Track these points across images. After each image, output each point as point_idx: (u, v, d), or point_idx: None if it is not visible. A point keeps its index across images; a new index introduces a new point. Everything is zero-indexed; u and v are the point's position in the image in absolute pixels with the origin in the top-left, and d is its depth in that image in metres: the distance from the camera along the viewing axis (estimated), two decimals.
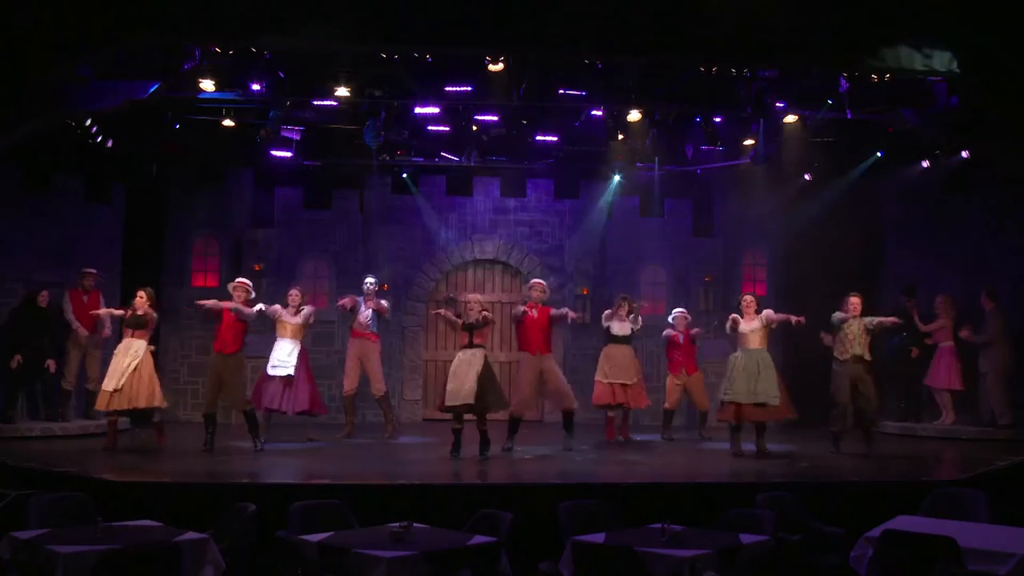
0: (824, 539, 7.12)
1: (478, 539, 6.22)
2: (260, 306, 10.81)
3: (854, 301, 10.73)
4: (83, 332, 11.83)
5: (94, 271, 12.07)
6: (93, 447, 10.75)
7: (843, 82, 10.71)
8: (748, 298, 10.79)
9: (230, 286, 10.74)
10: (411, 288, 14.42)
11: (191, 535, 6.19)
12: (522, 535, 6.78)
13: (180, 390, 13.90)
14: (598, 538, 6.25)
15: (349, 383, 11.83)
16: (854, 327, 10.65)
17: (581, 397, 13.85)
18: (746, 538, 6.30)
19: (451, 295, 14.77)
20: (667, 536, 6.14)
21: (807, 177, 13.99)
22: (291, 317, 11.39)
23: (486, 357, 10.03)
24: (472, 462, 9.78)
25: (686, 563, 5.73)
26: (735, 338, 10.71)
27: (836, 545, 6.96)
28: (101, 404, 10.43)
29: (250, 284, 10.75)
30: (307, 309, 11.51)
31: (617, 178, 14.39)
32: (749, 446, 10.54)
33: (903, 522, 6.60)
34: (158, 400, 10.50)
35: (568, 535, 6.44)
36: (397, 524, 6.25)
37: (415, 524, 6.29)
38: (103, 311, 11.41)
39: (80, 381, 12.03)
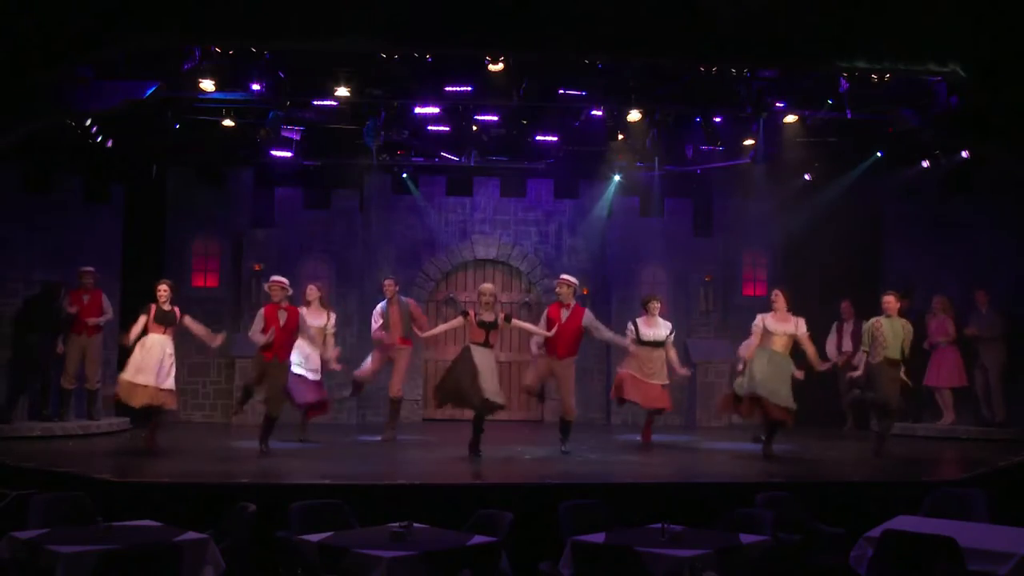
0: (824, 539, 7.12)
1: (478, 539, 6.22)
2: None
3: (888, 300, 10.41)
4: (81, 331, 11.84)
5: (92, 269, 12.05)
6: (93, 447, 10.77)
7: (843, 82, 10.70)
8: (777, 293, 10.47)
9: (266, 286, 10.46)
10: (411, 288, 14.41)
11: (191, 535, 6.19)
12: (522, 535, 6.79)
13: (180, 390, 13.87)
14: (598, 538, 6.24)
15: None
16: (890, 327, 10.29)
17: (583, 400, 13.91)
18: (746, 538, 6.30)
19: (451, 295, 14.80)
20: (667, 536, 6.14)
21: (807, 177, 14.00)
22: (314, 320, 11.18)
23: (494, 357, 10.10)
24: (471, 462, 9.78)
25: (686, 563, 5.73)
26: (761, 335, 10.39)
27: (836, 545, 6.96)
28: (138, 399, 10.23)
29: (286, 282, 10.31)
30: (332, 320, 11.42)
31: (617, 178, 14.40)
32: (752, 447, 10.57)
33: (903, 522, 6.60)
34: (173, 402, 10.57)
35: (568, 535, 6.44)
36: (397, 524, 6.25)
37: (415, 524, 6.29)
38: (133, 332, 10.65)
39: (79, 381, 12.02)
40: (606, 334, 10.96)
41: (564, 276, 10.90)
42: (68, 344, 11.91)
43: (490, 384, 9.85)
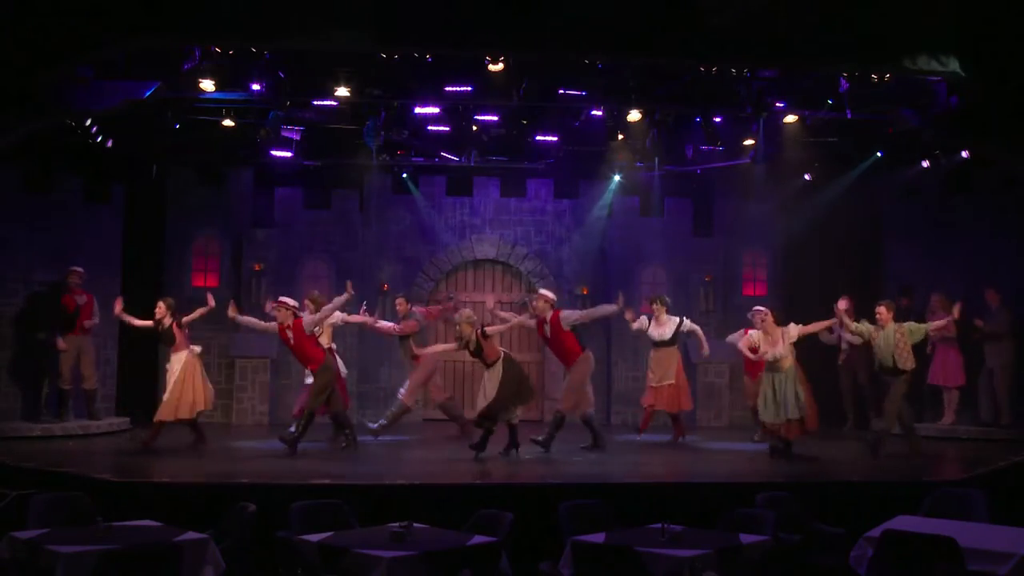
0: (824, 539, 7.12)
1: (478, 539, 6.23)
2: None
3: (879, 311, 10.41)
4: (77, 331, 11.88)
5: (79, 269, 12.02)
6: (93, 447, 10.77)
7: (843, 82, 10.70)
8: (765, 313, 10.43)
9: (270, 308, 10.60)
10: (411, 288, 14.40)
11: (191, 535, 6.19)
12: (522, 535, 6.79)
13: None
14: (598, 538, 6.25)
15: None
16: (883, 338, 10.36)
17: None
18: (746, 538, 6.30)
19: (451, 295, 14.79)
20: (667, 536, 6.14)
21: (807, 177, 13.99)
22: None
23: (504, 365, 10.01)
24: (472, 462, 9.77)
25: (686, 563, 5.74)
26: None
27: (836, 545, 6.96)
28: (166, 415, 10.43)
29: (288, 302, 10.33)
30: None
31: (617, 178, 14.39)
32: (764, 446, 10.65)
33: (903, 522, 6.60)
34: (185, 411, 10.41)
35: (568, 535, 6.44)
36: (397, 524, 6.25)
37: (415, 524, 6.29)
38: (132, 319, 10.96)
39: (77, 381, 12.01)
40: (574, 316, 10.95)
41: (542, 291, 11.19)
42: (64, 345, 11.94)
43: (485, 401, 10.01)
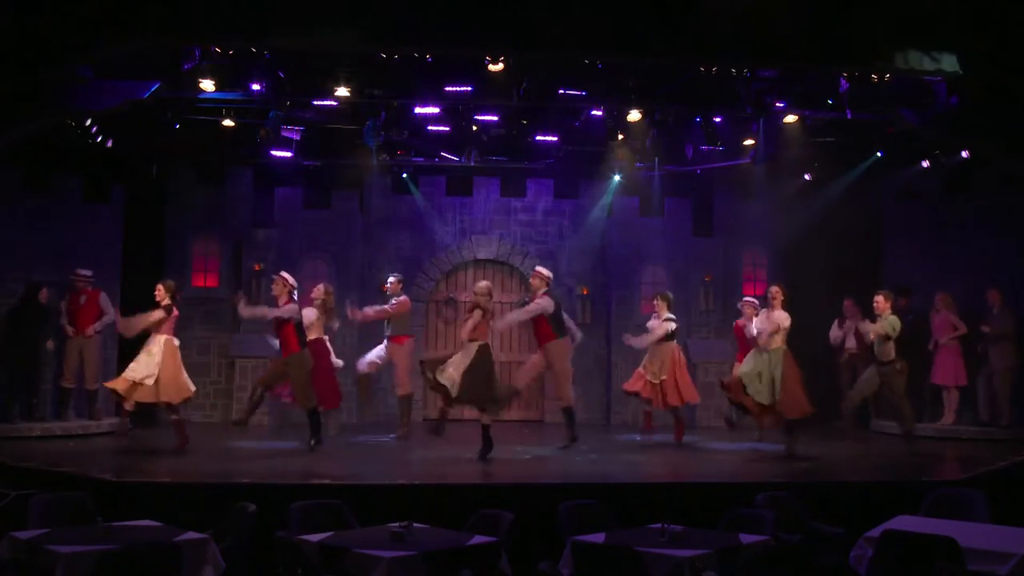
0: (824, 539, 7.12)
1: (478, 539, 6.23)
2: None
3: (876, 300, 10.70)
4: (72, 331, 11.87)
5: (82, 272, 12.03)
6: (93, 447, 10.77)
7: (843, 82, 10.71)
8: (774, 289, 10.71)
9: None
10: (411, 288, 14.40)
11: (191, 535, 6.19)
12: (522, 535, 6.79)
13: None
14: (598, 538, 6.25)
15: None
16: (878, 326, 10.66)
17: (583, 401, 13.91)
18: (746, 538, 6.30)
19: (451, 295, 14.79)
20: (667, 536, 6.14)
21: (807, 177, 14.00)
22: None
23: (479, 351, 9.79)
24: (472, 462, 9.78)
25: (686, 563, 5.74)
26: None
27: (836, 545, 6.96)
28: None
29: (288, 279, 10.51)
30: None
31: (617, 178, 14.39)
32: (764, 446, 10.62)
33: (903, 522, 6.60)
34: (173, 395, 10.29)
35: (568, 535, 6.45)
36: (397, 524, 6.25)
37: (415, 524, 6.29)
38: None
39: (78, 381, 12.00)
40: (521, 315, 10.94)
41: (538, 268, 11.19)
42: (66, 344, 11.92)
43: (450, 365, 9.87)
